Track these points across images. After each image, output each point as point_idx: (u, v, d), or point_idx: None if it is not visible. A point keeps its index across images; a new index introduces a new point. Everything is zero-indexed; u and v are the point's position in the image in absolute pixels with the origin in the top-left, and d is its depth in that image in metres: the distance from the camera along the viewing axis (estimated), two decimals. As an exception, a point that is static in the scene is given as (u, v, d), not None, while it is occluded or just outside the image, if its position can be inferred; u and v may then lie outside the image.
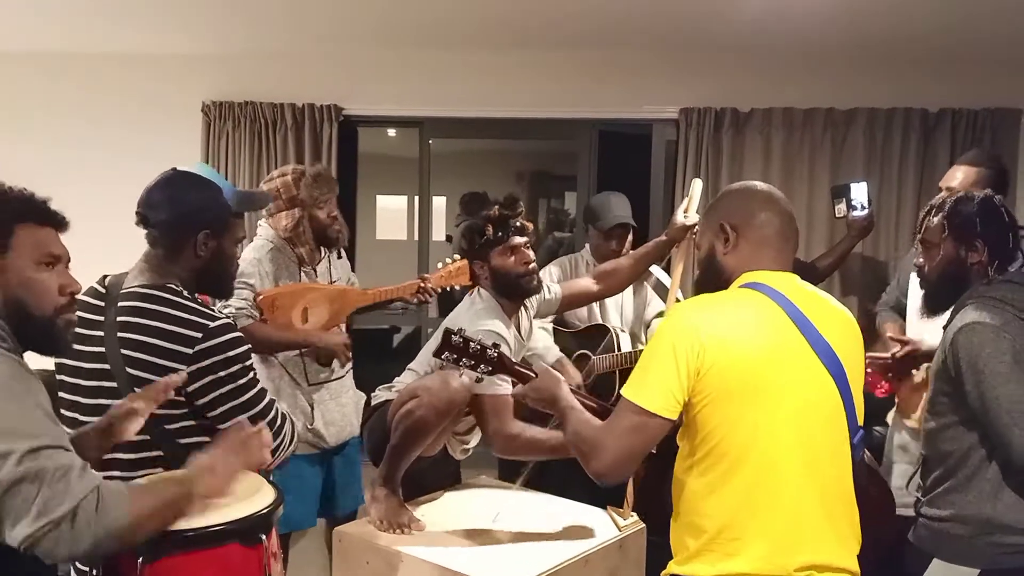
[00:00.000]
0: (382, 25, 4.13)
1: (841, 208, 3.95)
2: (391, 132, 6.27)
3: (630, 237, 3.58)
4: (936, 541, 2.06)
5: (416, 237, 5.13)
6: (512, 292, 2.70)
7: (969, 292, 2.11)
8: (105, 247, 2.72)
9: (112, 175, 4.41)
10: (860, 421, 1.74)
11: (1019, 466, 1.91)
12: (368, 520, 2.55)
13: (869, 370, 2.73)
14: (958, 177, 3.01)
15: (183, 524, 1.66)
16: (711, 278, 1.83)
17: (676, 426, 1.71)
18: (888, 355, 2.75)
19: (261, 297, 2.83)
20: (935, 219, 2.20)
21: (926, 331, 2.62)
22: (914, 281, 3.07)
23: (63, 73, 4.77)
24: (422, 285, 3.12)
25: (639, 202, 4.34)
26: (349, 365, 3.15)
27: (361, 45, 4.54)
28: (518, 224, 2.71)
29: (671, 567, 1.75)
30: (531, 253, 2.72)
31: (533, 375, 2.05)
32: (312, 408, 2.97)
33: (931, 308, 2.27)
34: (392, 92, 4.72)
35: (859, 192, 3.91)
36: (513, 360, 2.15)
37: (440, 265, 3.16)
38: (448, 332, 2.07)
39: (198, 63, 4.70)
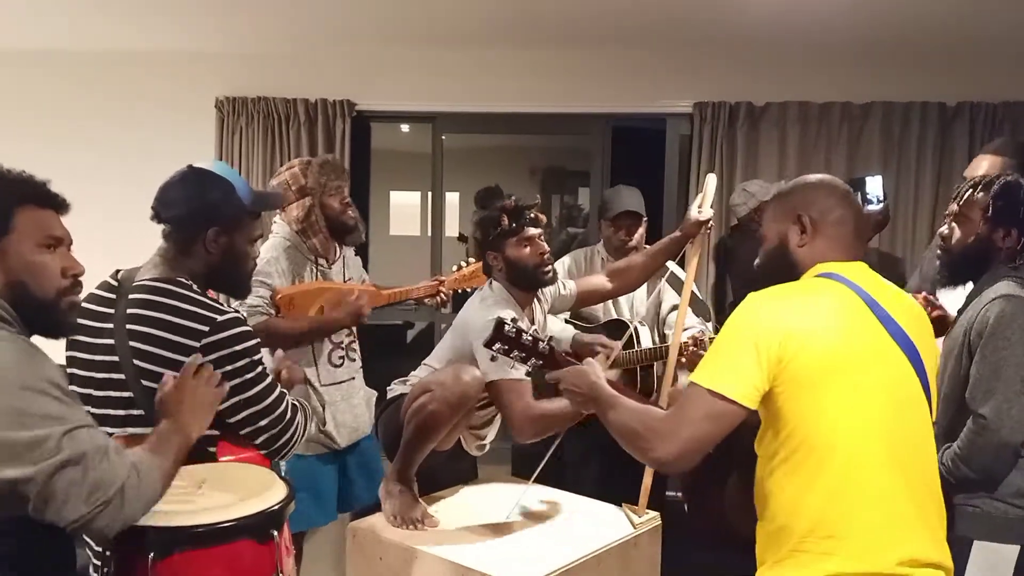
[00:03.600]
0: (395, 20, 4.12)
1: None
2: (404, 128, 6.26)
3: (641, 230, 3.53)
4: (973, 523, 2.05)
5: (429, 233, 5.13)
6: (527, 283, 2.69)
7: (995, 270, 2.16)
8: (121, 244, 2.73)
9: (126, 172, 4.44)
10: (933, 415, 1.71)
11: (997, 436, 2.00)
12: (382, 515, 2.55)
13: None
14: (983, 167, 2.93)
15: (194, 520, 1.66)
16: (780, 269, 1.78)
17: (753, 429, 1.67)
18: None
19: (279, 296, 2.84)
20: (980, 195, 2.20)
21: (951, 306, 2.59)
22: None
23: (76, 71, 4.79)
24: (439, 288, 3.13)
25: (653, 197, 4.31)
26: (359, 367, 3.15)
27: (374, 40, 4.53)
28: (532, 215, 2.70)
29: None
30: (545, 244, 2.71)
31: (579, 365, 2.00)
32: (324, 409, 2.97)
33: (947, 279, 2.31)
34: (405, 87, 4.71)
35: (874, 185, 3.87)
36: (561, 353, 2.13)
37: (455, 268, 3.18)
38: (500, 322, 2.04)
39: (211, 60, 4.71)
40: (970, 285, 2.27)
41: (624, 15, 3.92)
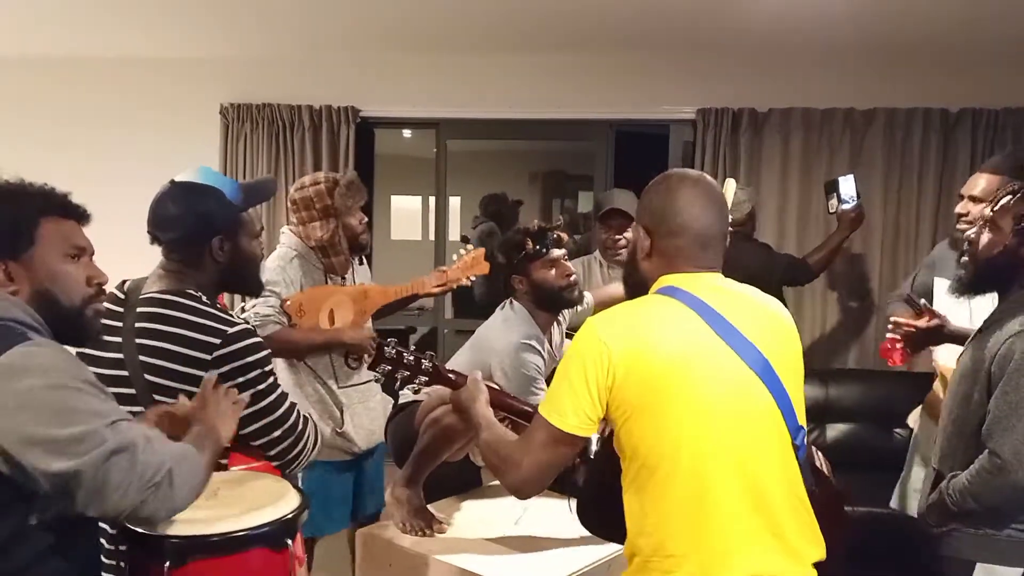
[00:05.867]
0: (399, 27, 4.13)
1: (833, 203, 3.94)
2: (407, 133, 6.28)
3: (629, 232, 3.51)
4: (977, 547, 2.00)
5: (431, 237, 5.14)
6: (553, 305, 2.70)
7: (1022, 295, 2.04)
8: (127, 251, 2.72)
9: (131, 178, 4.38)
10: (802, 420, 1.64)
11: (1015, 478, 1.89)
12: (391, 522, 2.55)
13: (890, 334, 2.64)
14: (980, 185, 2.88)
15: (210, 529, 1.67)
16: (636, 282, 1.75)
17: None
18: (914, 323, 2.60)
19: (288, 302, 2.85)
20: (1014, 204, 2.06)
21: (952, 318, 2.56)
22: (939, 284, 3.02)
23: (82, 78, 4.80)
24: (444, 278, 3.14)
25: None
26: None
27: (378, 47, 4.54)
28: (555, 236, 2.71)
29: None
30: (571, 266, 2.72)
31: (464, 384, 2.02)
32: (341, 412, 2.98)
33: (964, 287, 2.18)
34: (409, 94, 4.72)
35: (847, 185, 3.90)
36: (447, 369, 2.15)
37: (455, 257, 3.19)
38: (381, 345, 2.06)
39: (216, 66, 4.72)
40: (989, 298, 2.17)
41: (627, 22, 3.93)
